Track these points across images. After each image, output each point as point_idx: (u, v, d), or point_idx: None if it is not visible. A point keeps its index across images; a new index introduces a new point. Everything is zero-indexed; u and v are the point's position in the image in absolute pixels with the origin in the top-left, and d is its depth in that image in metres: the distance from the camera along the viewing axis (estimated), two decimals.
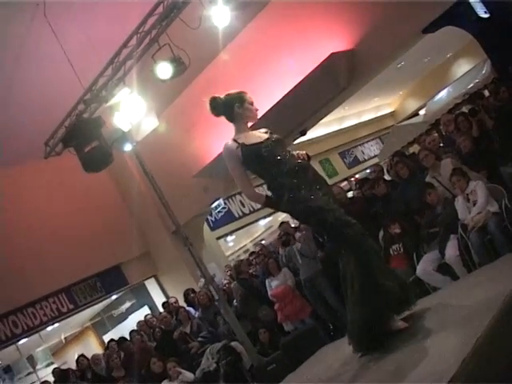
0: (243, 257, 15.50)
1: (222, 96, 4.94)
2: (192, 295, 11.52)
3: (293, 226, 10.75)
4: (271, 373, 8.30)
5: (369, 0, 10.71)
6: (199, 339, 10.15)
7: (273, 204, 4.91)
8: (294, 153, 4.86)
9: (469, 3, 10.58)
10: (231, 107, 4.90)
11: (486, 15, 10.64)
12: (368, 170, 20.41)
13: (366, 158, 25.55)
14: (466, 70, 20.96)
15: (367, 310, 4.44)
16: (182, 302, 11.79)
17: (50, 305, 13.57)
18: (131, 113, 10.33)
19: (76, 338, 17.45)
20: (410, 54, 13.75)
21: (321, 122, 15.04)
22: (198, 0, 9.20)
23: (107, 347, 11.68)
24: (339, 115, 21.44)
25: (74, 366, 11.19)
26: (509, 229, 6.72)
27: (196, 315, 10.88)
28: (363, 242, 4.54)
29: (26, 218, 13.22)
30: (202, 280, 11.01)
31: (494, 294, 4.07)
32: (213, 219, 17.25)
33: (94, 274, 14.43)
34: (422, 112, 21.16)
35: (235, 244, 19.40)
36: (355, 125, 24.55)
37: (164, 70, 9.62)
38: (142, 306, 16.15)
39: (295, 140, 13.59)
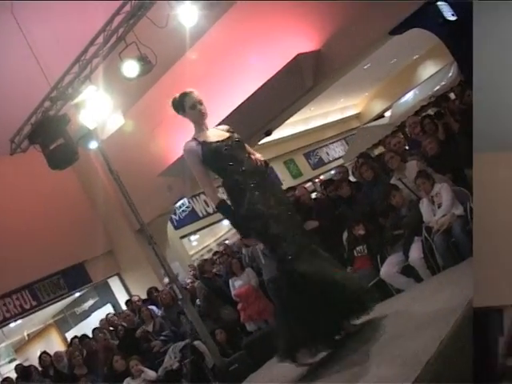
0: (207, 256, 15.49)
1: (177, 95, 4.99)
2: (155, 294, 11.49)
3: None
4: (233, 373, 8.34)
5: (336, 1, 10.77)
6: (162, 338, 10.12)
7: (223, 211, 4.92)
8: (253, 157, 4.92)
9: (436, 6, 10.62)
10: (183, 107, 4.94)
11: (454, 18, 10.67)
12: (333, 172, 20.37)
13: (331, 159, 25.51)
14: (433, 72, 20.96)
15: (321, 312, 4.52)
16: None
17: (13, 301, 13.47)
18: (97, 111, 10.25)
19: (39, 334, 17.35)
20: (376, 55, 13.79)
21: (286, 122, 15.08)
22: None
23: (70, 344, 11.64)
24: (305, 116, 21.40)
25: (36, 363, 11.11)
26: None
27: (159, 314, 10.88)
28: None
29: None
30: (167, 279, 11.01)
31: (457, 298, 4.17)
32: (177, 218, 17.21)
33: (57, 272, 14.34)
34: (387, 114, 21.11)
35: (199, 243, 19.32)
36: (321, 126, 24.47)
37: (130, 68, 9.62)
38: (104, 304, 16.08)
39: (260, 140, 13.64)
